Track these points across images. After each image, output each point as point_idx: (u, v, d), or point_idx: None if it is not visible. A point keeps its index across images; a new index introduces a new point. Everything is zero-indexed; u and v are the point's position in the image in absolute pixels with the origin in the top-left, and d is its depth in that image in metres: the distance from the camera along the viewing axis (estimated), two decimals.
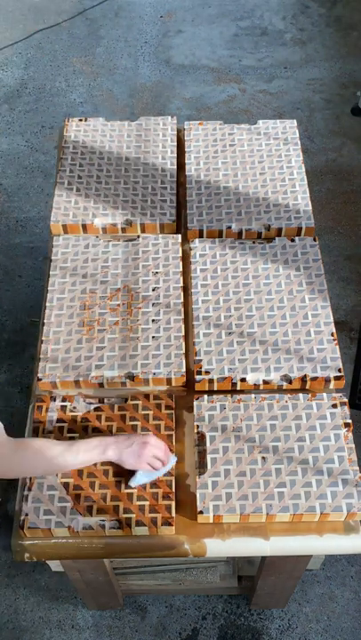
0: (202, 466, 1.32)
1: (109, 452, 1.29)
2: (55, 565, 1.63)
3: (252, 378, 1.44)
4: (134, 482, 1.30)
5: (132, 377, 1.45)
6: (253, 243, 1.69)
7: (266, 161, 1.86)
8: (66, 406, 1.42)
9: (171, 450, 1.35)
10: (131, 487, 1.30)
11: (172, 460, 1.33)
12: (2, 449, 1.20)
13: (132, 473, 1.30)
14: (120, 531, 1.27)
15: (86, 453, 1.27)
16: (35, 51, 3.72)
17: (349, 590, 2.01)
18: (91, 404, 1.43)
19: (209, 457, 1.33)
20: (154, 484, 1.30)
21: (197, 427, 1.38)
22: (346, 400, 1.42)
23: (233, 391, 1.45)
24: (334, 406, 1.40)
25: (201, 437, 1.36)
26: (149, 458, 1.28)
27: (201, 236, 1.72)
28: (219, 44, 3.74)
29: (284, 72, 3.57)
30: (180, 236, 1.71)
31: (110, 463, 1.33)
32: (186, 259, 1.69)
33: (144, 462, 1.28)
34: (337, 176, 3.08)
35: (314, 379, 1.43)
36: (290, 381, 1.44)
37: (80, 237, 1.71)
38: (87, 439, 1.30)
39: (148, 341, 1.50)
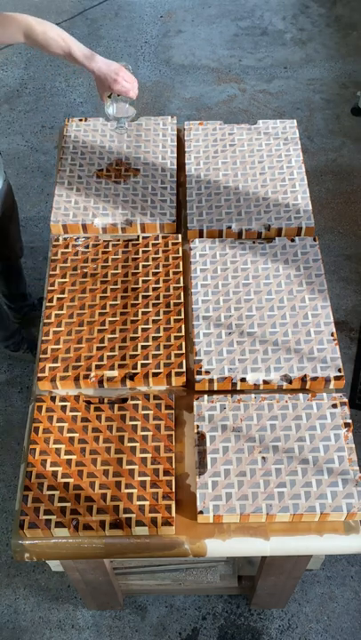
0: (202, 466, 1.32)
1: (96, 60, 1.61)
2: (55, 565, 1.63)
3: (252, 378, 1.44)
4: (111, 110, 1.69)
5: (132, 377, 1.45)
6: (253, 243, 1.69)
7: (266, 161, 1.86)
8: (66, 406, 1.42)
9: (170, 449, 1.35)
10: (108, 115, 1.71)
11: (132, 112, 1.73)
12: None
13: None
14: (120, 531, 1.27)
15: (80, 46, 1.60)
16: (35, 51, 3.72)
17: (349, 590, 2.01)
18: (90, 403, 1.43)
19: (209, 457, 1.33)
20: (154, 484, 1.31)
21: (197, 427, 1.38)
22: (346, 400, 1.42)
23: (233, 391, 1.45)
24: (334, 406, 1.40)
25: (201, 437, 1.36)
26: (123, 81, 1.62)
27: (201, 235, 1.72)
28: (219, 44, 3.74)
29: (284, 72, 3.57)
30: (180, 235, 1.71)
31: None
32: (186, 259, 1.69)
33: (119, 84, 1.63)
34: (337, 176, 3.08)
35: (314, 379, 1.43)
36: (290, 381, 1.44)
37: (80, 237, 1.71)
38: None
39: (148, 341, 1.50)
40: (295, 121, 1.97)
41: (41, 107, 3.42)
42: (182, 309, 1.56)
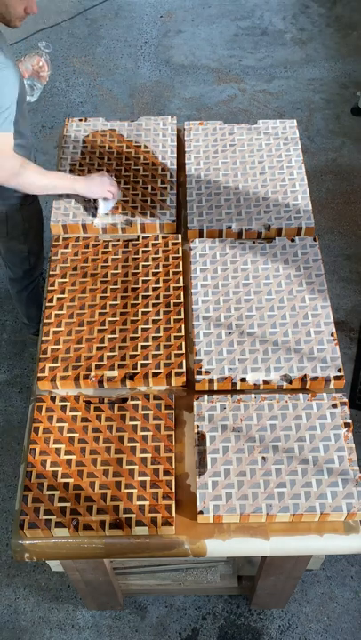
0: (202, 466, 1.32)
1: (78, 185, 1.70)
2: (55, 565, 1.63)
3: (252, 378, 1.44)
4: (101, 210, 1.72)
5: (132, 377, 1.45)
6: (253, 243, 1.69)
7: (266, 161, 1.86)
8: (66, 406, 1.42)
9: (170, 449, 1.35)
10: (100, 215, 1.73)
11: (119, 195, 1.77)
12: (12, 161, 1.61)
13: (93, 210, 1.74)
14: (120, 531, 1.27)
15: (61, 180, 1.70)
16: None
17: (349, 590, 2.01)
18: (90, 403, 1.43)
19: (209, 457, 1.33)
20: (154, 484, 1.31)
21: (197, 427, 1.38)
22: (346, 400, 1.42)
23: (233, 391, 1.45)
24: (334, 406, 1.40)
25: (201, 437, 1.36)
26: (108, 186, 1.70)
27: (201, 235, 1.72)
28: (219, 44, 3.74)
29: (284, 72, 3.57)
30: (180, 235, 1.71)
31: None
32: (186, 259, 1.69)
33: (105, 190, 1.70)
34: (337, 176, 3.08)
35: (314, 379, 1.43)
36: (290, 381, 1.44)
37: (80, 237, 1.71)
38: (62, 173, 1.75)
39: (148, 341, 1.50)
40: (295, 121, 1.97)
41: (41, 107, 3.42)
42: (182, 309, 1.56)
